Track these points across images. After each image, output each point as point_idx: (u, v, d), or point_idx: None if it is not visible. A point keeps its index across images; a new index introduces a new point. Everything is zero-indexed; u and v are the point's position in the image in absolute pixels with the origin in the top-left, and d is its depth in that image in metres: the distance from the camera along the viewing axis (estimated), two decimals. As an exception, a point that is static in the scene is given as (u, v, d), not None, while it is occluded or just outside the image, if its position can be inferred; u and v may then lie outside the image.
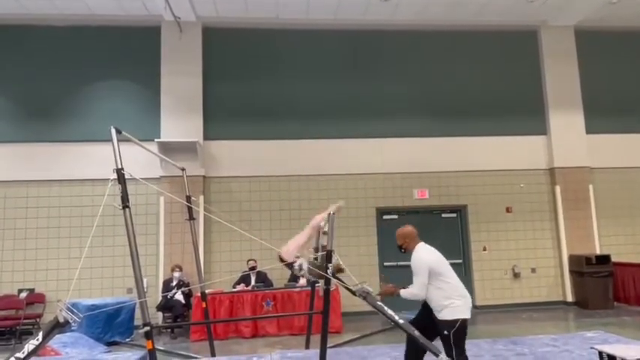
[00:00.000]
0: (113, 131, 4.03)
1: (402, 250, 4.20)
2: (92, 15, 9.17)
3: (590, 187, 9.85)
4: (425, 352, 3.92)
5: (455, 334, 3.78)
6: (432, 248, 4.10)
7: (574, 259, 9.43)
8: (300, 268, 4.43)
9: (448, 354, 3.73)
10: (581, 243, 9.60)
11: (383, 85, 9.79)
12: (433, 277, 3.89)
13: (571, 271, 9.48)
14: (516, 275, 9.57)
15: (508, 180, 9.84)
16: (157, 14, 9.04)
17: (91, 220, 8.33)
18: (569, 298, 9.48)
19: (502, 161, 9.83)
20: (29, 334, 7.82)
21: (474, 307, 9.34)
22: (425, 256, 3.98)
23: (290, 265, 4.51)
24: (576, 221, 9.69)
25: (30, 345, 3.06)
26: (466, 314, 3.86)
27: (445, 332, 3.80)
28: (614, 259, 9.23)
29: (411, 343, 4.02)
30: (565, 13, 9.71)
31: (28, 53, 9.17)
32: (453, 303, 3.83)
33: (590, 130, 9.99)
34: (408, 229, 4.21)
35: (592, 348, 4.80)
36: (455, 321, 3.79)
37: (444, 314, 3.84)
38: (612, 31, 10.40)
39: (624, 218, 9.94)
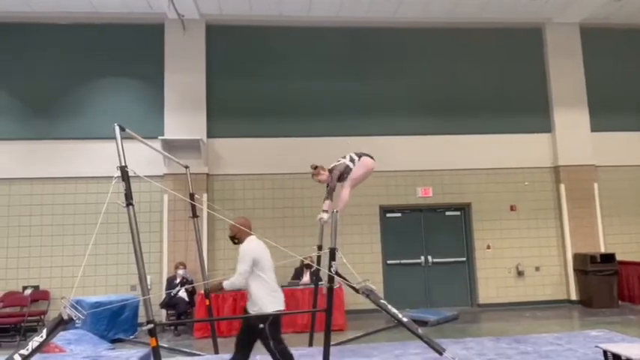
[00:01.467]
0: (117, 129, 4.05)
1: (235, 241, 4.21)
2: (96, 13, 9.18)
3: (595, 185, 9.79)
4: None
5: (270, 326, 3.88)
6: (262, 243, 4.11)
7: (578, 258, 9.39)
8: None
9: (267, 347, 3.87)
10: (586, 241, 9.55)
11: (386, 82, 9.76)
12: (256, 267, 3.95)
13: (575, 270, 9.44)
14: (520, 273, 9.54)
15: (512, 178, 9.80)
16: (160, 12, 9.04)
17: (95, 218, 8.34)
18: (574, 297, 9.44)
19: (506, 159, 9.79)
20: (34, 330, 7.83)
21: (477, 305, 9.41)
22: (253, 246, 4.04)
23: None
24: (581, 219, 9.63)
25: (34, 342, 3.08)
26: (277, 307, 3.99)
27: (260, 326, 3.87)
28: (618, 257, 9.18)
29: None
30: (570, 10, 9.65)
31: (32, 51, 9.19)
32: (266, 298, 3.94)
33: (595, 128, 9.93)
34: (243, 219, 4.25)
35: (596, 347, 4.79)
36: (269, 314, 3.90)
37: (259, 307, 3.93)
38: (618, 29, 10.33)
39: (629, 217, 9.88)
